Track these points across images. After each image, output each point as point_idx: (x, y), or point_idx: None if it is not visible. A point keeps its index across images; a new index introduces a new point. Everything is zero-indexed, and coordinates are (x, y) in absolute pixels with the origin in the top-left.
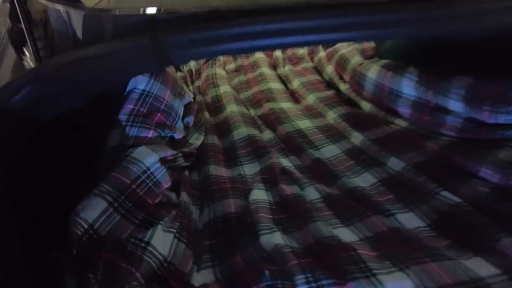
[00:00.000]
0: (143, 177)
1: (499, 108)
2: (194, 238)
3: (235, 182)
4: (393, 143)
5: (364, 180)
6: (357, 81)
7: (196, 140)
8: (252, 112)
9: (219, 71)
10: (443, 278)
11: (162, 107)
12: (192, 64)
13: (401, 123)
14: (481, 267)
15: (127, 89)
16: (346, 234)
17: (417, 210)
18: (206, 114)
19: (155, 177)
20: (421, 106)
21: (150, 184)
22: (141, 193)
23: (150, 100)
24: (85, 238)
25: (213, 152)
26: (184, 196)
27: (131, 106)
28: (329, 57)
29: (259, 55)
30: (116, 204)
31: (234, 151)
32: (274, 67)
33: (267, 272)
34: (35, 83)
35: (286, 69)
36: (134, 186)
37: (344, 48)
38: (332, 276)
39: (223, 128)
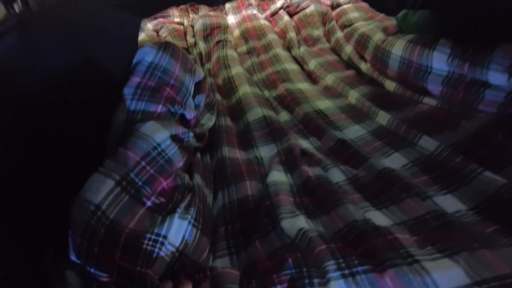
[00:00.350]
0: (154, 153)
1: None
2: (209, 224)
3: (251, 164)
4: (424, 122)
5: (394, 161)
6: (380, 59)
7: (208, 121)
8: (267, 93)
9: (230, 52)
10: (498, 267)
11: (172, 81)
12: (202, 46)
13: (430, 101)
14: None
15: (134, 61)
16: (379, 218)
17: (457, 192)
18: (218, 96)
19: (166, 154)
20: (454, 81)
21: (162, 161)
22: (152, 171)
23: (159, 74)
24: (93, 222)
25: (226, 134)
26: (198, 179)
27: (138, 79)
28: (347, 37)
29: (272, 36)
30: (124, 183)
31: (249, 133)
32: (288, 48)
33: (290, 260)
34: (19, 29)
35: (301, 50)
36: (144, 163)
37: (363, 27)
38: (367, 262)
39: (237, 110)
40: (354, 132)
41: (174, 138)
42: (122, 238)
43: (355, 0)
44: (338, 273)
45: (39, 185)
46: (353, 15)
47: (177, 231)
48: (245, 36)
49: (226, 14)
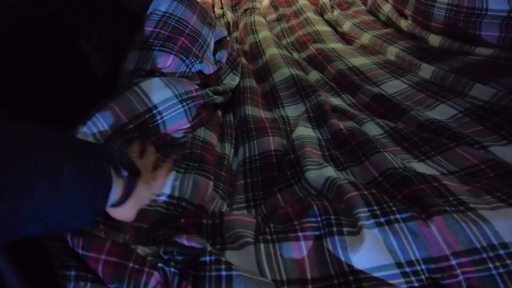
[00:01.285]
0: (147, 116)
1: None
2: (214, 166)
3: (276, 122)
4: (477, 71)
5: (440, 113)
6: (423, 11)
7: (231, 80)
8: (296, 55)
9: (258, 18)
10: None
11: (187, 31)
12: (230, 16)
13: (484, 51)
14: None
15: (148, 11)
16: (423, 169)
17: None
18: (244, 61)
19: (162, 118)
20: None
21: (151, 125)
22: (136, 134)
23: (173, 23)
24: None
25: (250, 94)
26: (202, 131)
27: (151, 29)
28: None
29: (303, 2)
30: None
31: (275, 93)
32: (321, 14)
33: (315, 207)
34: None
35: (334, 14)
36: (131, 126)
37: None
38: (408, 209)
39: (263, 72)
40: (393, 86)
41: (186, 98)
42: None
43: None
44: (372, 221)
45: None
46: None
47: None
48: (275, 4)
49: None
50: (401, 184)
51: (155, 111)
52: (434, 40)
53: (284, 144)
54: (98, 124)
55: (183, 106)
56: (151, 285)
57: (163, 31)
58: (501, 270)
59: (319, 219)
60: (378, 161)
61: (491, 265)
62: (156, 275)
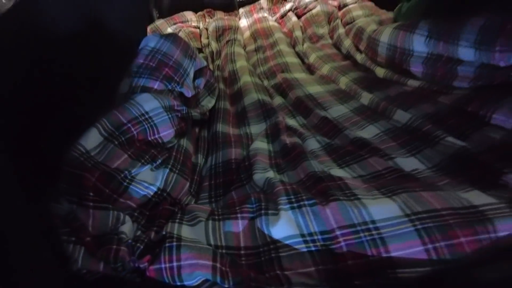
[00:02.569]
0: (140, 119)
1: (510, 47)
2: (188, 171)
3: (240, 137)
4: (403, 99)
5: (368, 132)
6: (372, 47)
7: (208, 102)
8: (266, 83)
9: (238, 49)
10: (432, 204)
11: (171, 63)
12: (214, 45)
13: (414, 83)
14: (478, 197)
15: (139, 47)
16: (338, 173)
17: (419, 155)
18: (222, 86)
19: (153, 121)
20: (433, 61)
21: (146, 126)
22: (134, 132)
23: (159, 56)
24: (83, 159)
25: (223, 114)
26: (184, 142)
27: (141, 61)
28: (348, 32)
29: (278, 35)
30: (111, 138)
31: (244, 114)
32: (293, 46)
33: (253, 197)
34: None
35: (304, 46)
36: (129, 125)
37: (362, 22)
38: (315, 198)
39: (236, 96)
40: (337, 110)
41: (170, 108)
42: (101, 169)
43: (361, 0)
44: (288, 205)
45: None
46: (357, 13)
47: (155, 177)
48: (255, 36)
49: (239, 18)
50: (316, 182)
51: (147, 116)
52: (380, 71)
53: (243, 154)
54: (104, 125)
55: (167, 115)
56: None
57: (151, 63)
58: (368, 238)
59: (254, 205)
60: (305, 167)
61: (361, 235)
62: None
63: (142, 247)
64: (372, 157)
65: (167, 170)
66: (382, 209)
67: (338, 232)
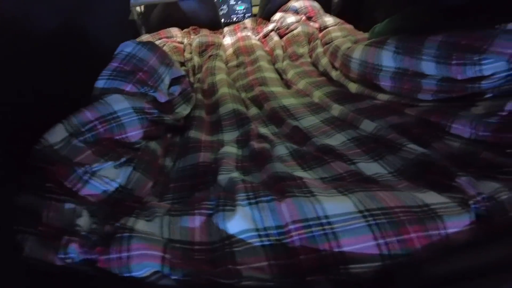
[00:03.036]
0: (108, 117)
1: (466, 60)
2: (153, 171)
3: (212, 143)
4: (372, 111)
5: (334, 140)
6: (345, 64)
7: (183, 110)
8: (244, 95)
9: (219, 63)
10: (386, 202)
11: (145, 68)
12: (196, 60)
13: (383, 97)
14: (432, 197)
15: (115, 52)
16: (301, 175)
17: (381, 161)
18: (200, 96)
19: (120, 120)
20: (400, 75)
21: (114, 124)
22: (101, 129)
23: (135, 61)
24: (45, 152)
25: (197, 121)
26: (153, 144)
27: (116, 64)
28: (325, 51)
29: (260, 53)
30: (75, 134)
31: (219, 123)
32: (274, 63)
33: (213, 195)
34: None
35: (284, 64)
36: (96, 122)
37: (338, 41)
38: (272, 194)
39: (213, 106)
40: (308, 121)
41: (140, 110)
42: (63, 162)
43: (341, 23)
44: (246, 201)
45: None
46: (336, 34)
47: (117, 174)
48: (237, 53)
49: (224, 36)
50: (276, 182)
51: (115, 115)
52: (352, 87)
53: (212, 158)
54: (70, 121)
55: (137, 116)
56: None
57: (125, 67)
58: (320, 232)
59: (214, 202)
60: (269, 168)
61: (314, 229)
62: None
63: (95, 239)
64: (335, 162)
65: (131, 168)
66: (337, 205)
67: (291, 226)
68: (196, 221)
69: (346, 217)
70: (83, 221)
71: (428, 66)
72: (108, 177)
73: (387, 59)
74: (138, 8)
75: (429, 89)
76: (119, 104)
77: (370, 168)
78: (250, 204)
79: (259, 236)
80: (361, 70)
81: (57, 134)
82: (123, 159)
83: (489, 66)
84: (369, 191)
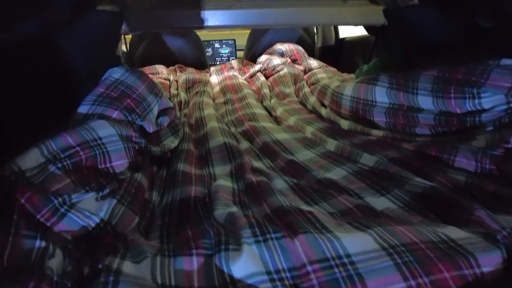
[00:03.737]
0: (92, 144)
1: (464, 93)
2: (139, 205)
3: (202, 177)
4: (369, 146)
5: (335, 174)
6: (336, 101)
7: (171, 142)
8: (233, 129)
9: (206, 99)
10: (409, 237)
11: (134, 96)
12: (182, 96)
13: (378, 133)
14: (454, 232)
15: (102, 78)
16: (308, 209)
17: (389, 195)
18: (187, 130)
19: (105, 148)
20: (395, 111)
21: (97, 152)
22: (83, 156)
23: (123, 88)
24: (13, 178)
25: (186, 154)
26: (139, 176)
27: (102, 90)
28: (313, 90)
29: (247, 91)
30: (53, 160)
31: (208, 156)
32: (261, 101)
33: (211, 231)
34: None
35: (271, 102)
36: (78, 148)
37: (326, 81)
38: (281, 230)
39: (201, 140)
40: (304, 155)
41: (127, 139)
42: (34, 189)
43: (325, 66)
44: (252, 239)
45: None
46: (321, 75)
47: (99, 206)
48: (224, 90)
49: (210, 75)
50: (282, 215)
51: (99, 141)
52: (344, 123)
53: (204, 192)
54: (48, 145)
55: (123, 144)
56: None
57: (112, 93)
58: (343, 273)
59: (212, 240)
60: (272, 201)
61: (336, 270)
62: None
63: (70, 285)
64: (341, 195)
65: (115, 201)
66: (357, 242)
67: (308, 268)
68: (193, 263)
69: (369, 255)
70: (55, 263)
71: (424, 101)
72: (89, 210)
73: (381, 94)
74: (123, 47)
75: (427, 123)
76: (104, 130)
77: (379, 202)
78: (257, 242)
79: (271, 280)
80: (353, 106)
81: (31, 159)
82: (106, 190)
83: (488, 100)
84: (385, 225)
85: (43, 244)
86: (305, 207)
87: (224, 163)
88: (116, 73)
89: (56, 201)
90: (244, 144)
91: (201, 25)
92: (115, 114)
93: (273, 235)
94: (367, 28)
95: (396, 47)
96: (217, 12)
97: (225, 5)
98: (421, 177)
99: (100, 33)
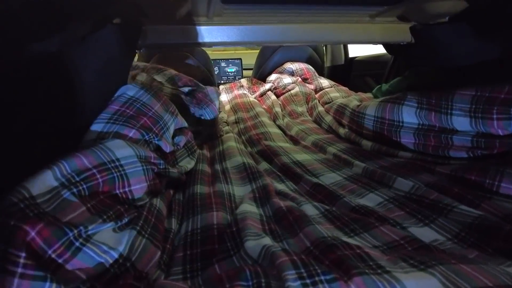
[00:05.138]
0: (109, 165)
1: (509, 113)
2: (160, 236)
3: (221, 197)
4: (399, 169)
5: (369, 200)
6: (356, 121)
7: (187, 163)
8: (249, 149)
9: (221, 115)
10: (479, 279)
11: (150, 114)
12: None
13: (405, 154)
14: None
15: (115, 95)
16: (352, 242)
17: (433, 225)
18: (204, 150)
19: (124, 170)
20: (424, 132)
21: (115, 175)
22: (100, 180)
23: (138, 105)
24: (23, 205)
25: (201, 175)
26: (158, 202)
27: (116, 107)
28: (328, 109)
29: (259, 109)
30: (67, 184)
31: (226, 174)
32: (273, 120)
33: (248, 271)
34: None
35: (284, 121)
36: (94, 171)
37: (342, 100)
38: (332, 271)
39: (217, 158)
40: (330, 178)
41: (145, 160)
42: (47, 220)
43: (336, 85)
44: (298, 282)
45: None
46: (334, 94)
47: (118, 239)
48: (235, 109)
49: (220, 94)
50: (328, 251)
51: (117, 163)
52: (366, 144)
53: (228, 218)
54: (61, 167)
55: (142, 166)
56: None
57: (128, 111)
58: None
59: (250, 282)
60: (310, 232)
61: None
62: None
63: None
64: (384, 226)
65: (134, 232)
66: (420, 284)
67: None
68: None
69: None
70: None
71: (460, 122)
72: (107, 244)
73: (409, 115)
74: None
75: (463, 146)
76: (122, 150)
77: (425, 233)
78: (304, 285)
79: None
80: (377, 126)
81: (42, 183)
82: (125, 220)
83: None
84: (448, 264)
85: (54, 286)
86: (347, 239)
87: (244, 184)
88: (130, 90)
89: (71, 234)
90: (263, 165)
91: (224, 40)
92: (132, 133)
93: (322, 277)
94: (386, 46)
95: (424, 66)
96: (239, 28)
97: (248, 21)
98: (464, 203)
99: (115, 47)
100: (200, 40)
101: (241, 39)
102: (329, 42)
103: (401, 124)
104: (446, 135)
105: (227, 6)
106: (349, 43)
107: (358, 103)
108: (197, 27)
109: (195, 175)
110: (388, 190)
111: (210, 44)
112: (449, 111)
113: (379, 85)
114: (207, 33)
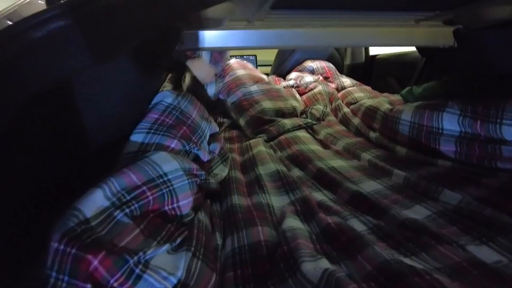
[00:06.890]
0: (158, 181)
1: None
2: (213, 257)
3: (261, 210)
4: (442, 180)
5: (416, 213)
6: (390, 126)
7: (221, 171)
8: (279, 153)
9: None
10: None
11: (189, 122)
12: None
13: (445, 163)
14: None
15: (153, 102)
16: (417, 265)
17: (492, 244)
18: (232, 154)
19: (172, 185)
20: (468, 141)
21: (164, 191)
22: (150, 198)
23: (177, 113)
24: (79, 230)
25: (235, 184)
26: (202, 216)
27: (156, 116)
28: (354, 111)
29: None
30: (119, 204)
31: (260, 182)
32: None
33: None
34: (64, 16)
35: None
36: (144, 188)
37: (370, 102)
38: None
39: (248, 164)
40: (370, 186)
41: (189, 173)
42: (107, 248)
43: (359, 84)
44: None
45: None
46: (358, 94)
47: (174, 262)
48: None
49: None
50: (396, 277)
51: (165, 178)
52: (401, 151)
53: (273, 234)
54: (111, 185)
55: (187, 179)
56: None
57: (167, 120)
58: None
59: None
60: (370, 255)
61: None
62: None
63: None
64: (441, 244)
65: (190, 254)
66: None
67: None
68: None
69: None
70: None
71: (510, 132)
72: (165, 269)
73: (450, 122)
74: None
75: None
76: (168, 164)
77: (485, 253)
78: None
79: None
80: (414, 133)
81: (94, 204)
82: (178, 240)
83: None
84: None
85: None
86: (410, 262)
87: (280, 193)
88: (168, 97)
89: (131, 261)
90: (296, 172)
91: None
92: (174, 144)
93: None
94: (418, 48)
95: (466, 72)
96: (281, 32)
97: (290, 25)
98: None
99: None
100: (238, 45)
101: (282, 43)
102: (372, 45)
103: (440, 131)
104: (494, 145)
105: (274, 11)
106: (391, 46)
107: (390, 106)
108: (236, 31)
109: (229, 183)
110: (435, 203)
111: (248, 48)
112: (498, 120)
113: (409, 88)
114: (247, 37)
